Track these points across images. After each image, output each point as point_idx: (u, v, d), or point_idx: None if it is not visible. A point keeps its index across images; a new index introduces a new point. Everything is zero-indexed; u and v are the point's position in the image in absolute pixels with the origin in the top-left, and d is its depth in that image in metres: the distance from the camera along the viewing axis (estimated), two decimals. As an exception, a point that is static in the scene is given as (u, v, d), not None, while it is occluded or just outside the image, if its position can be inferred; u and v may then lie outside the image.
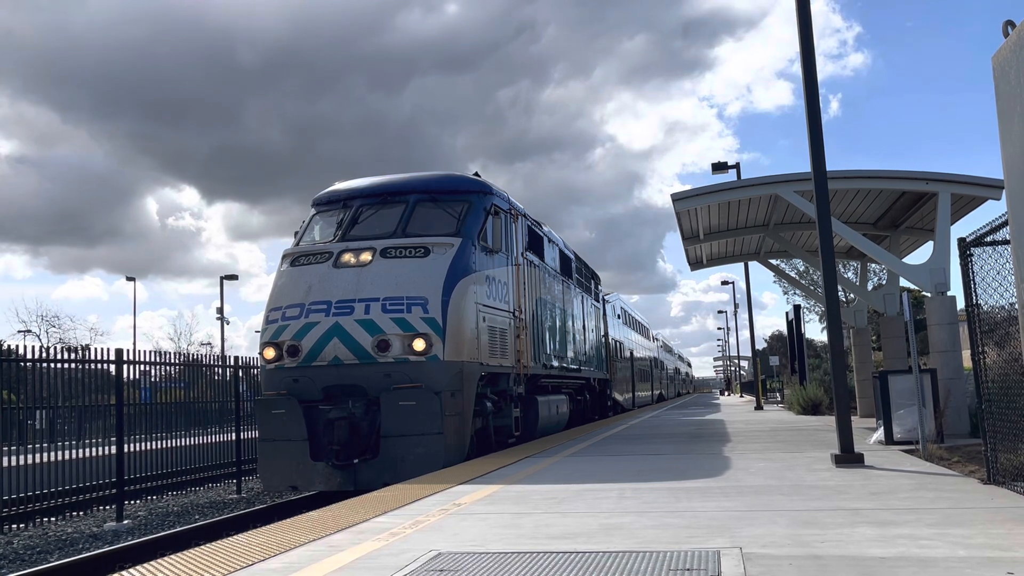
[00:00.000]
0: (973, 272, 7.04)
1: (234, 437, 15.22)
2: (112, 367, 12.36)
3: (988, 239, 6.75)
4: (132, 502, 12.93)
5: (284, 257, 12.18)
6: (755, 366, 34.53)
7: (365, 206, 12.43)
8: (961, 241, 7.23)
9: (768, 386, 41.55)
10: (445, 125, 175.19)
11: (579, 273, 20.57)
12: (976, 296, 7.04)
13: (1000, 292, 6.62)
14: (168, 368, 14.63)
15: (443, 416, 10.52)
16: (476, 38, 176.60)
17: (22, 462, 11.04)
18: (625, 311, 32.85)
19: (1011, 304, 6.19)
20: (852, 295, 28.46)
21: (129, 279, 55.55)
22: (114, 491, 11.96)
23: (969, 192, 13.53)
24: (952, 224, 13.85)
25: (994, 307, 6.83)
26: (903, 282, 16.81)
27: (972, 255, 7.06)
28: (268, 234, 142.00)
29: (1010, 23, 3.74)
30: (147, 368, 13.56)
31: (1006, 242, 6.15)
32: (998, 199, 13.30)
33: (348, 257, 11.46)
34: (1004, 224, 6.07)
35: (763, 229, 18.30)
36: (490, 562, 4.68)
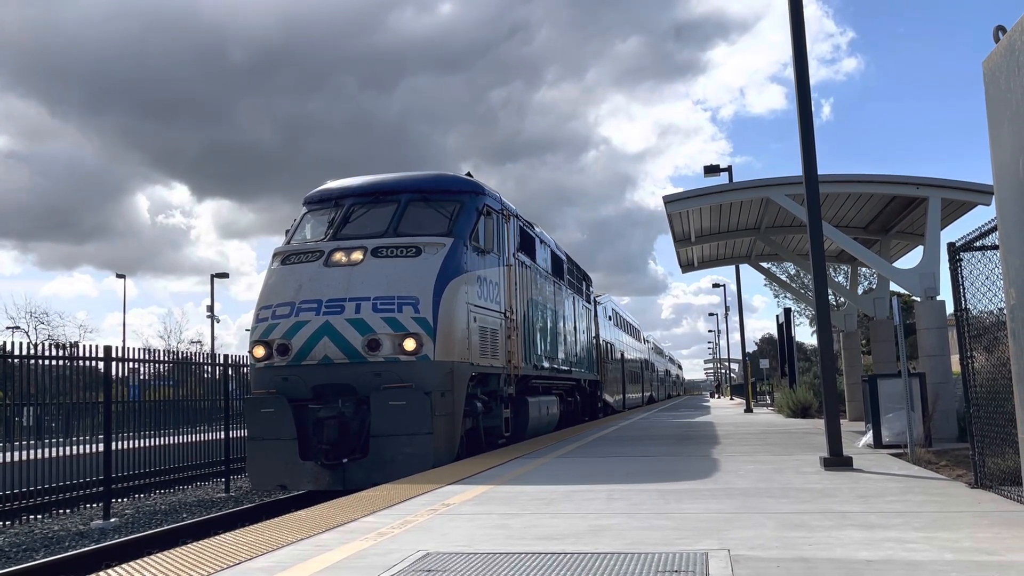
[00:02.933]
0: (962, 277, 7.07)
1: (223, 435, 15.16)
2: (101, 364, 12.30)
3: (977, 244, 6.77)
4: (119, 500, 12.87)
5: (275, 255, 12.14)
6: (745, 369, 34.62)
7: (357, 205, 12.40)
8: (950, 246, 7.26)
9: (758, 389, 41.66)
10: (436, 125, 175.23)
11: (570, 274, 20.58)
12: (965, 301, 7.06)
13: (989, 297, 6.65)
14: (157, 366, 14.57)
15: (433, 416, 10.51)
16: (469, 38, 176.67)
17: (9, 459, 10.97)
18: (616, 313, 32.88)
19: (1000, 309, 6.21)
20: (842, 299, 28.54)
21: (119, 276, 55.25)
22: (101, 489, 11.90)
23: (959, 197, 13.59)
24: (942, 229, 13.92)
25: (983, 312, 6.86)
26: (893, 286, 16.89)
27: (961, 260, 7.08)
28: (258, 232, 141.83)
29: (1000, 28, 3.75)
30: (136, 366, 13.49)
31: (995, 247, 6.17)
32: (987, 204, 13.36)
33: (339, 256, 11.44)
34: (993, 229, 6.09)
35: (754, 232, 18.35)
36: (478, 563, 4.67)
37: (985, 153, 4.36)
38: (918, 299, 13.33)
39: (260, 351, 11.26)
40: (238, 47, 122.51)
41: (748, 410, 30.23)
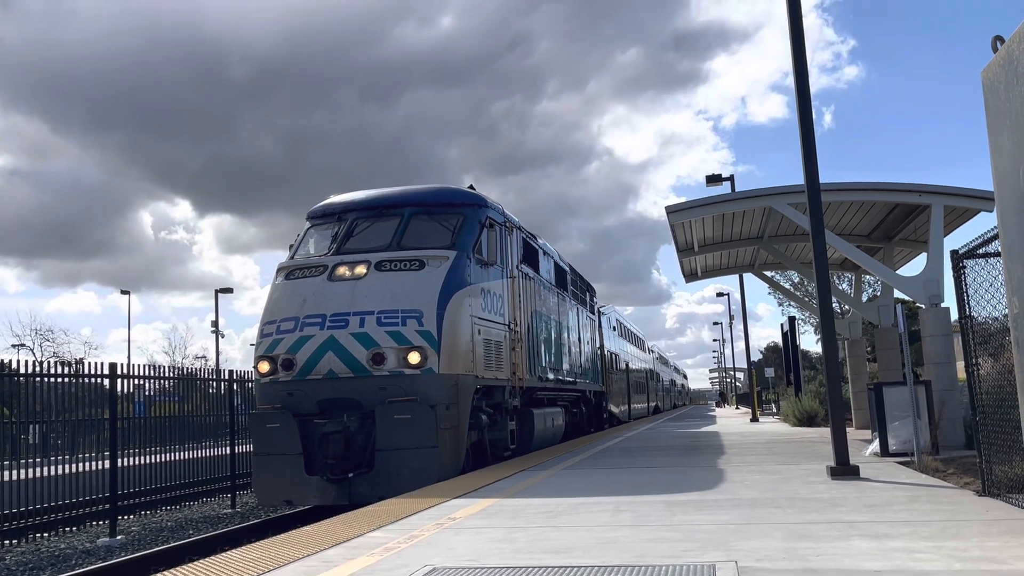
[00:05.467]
0: (966, 284, 7.07)
1: (228, 451, 15.16)
2: (106, 381, 12.32)
3: (981, 251, 6.78)
4: (126, 517, 12.86)
5: (279, 270, 12.17)
6: (750, 378, 34.57)
7: (360, 219, 12.43)
8: (954, 253, 7.26)
9: (764, 398, 41.57)
10: (438, 137, 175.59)
11: (574, 285, 20.58)
12: (969, 308, 7.06)
13: (993, 304, 6.65)
14: (162, 382, 14.58)
15: (438, 430, 10.50)
16: (470, 51, 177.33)
17: (15, 477, 10.98)
18: (620, 323, 32.86)
19: (1005, 316, 6.20)
20: (847, 307, 28.50)
21: (124, 292, 55.44)
22: (107, 506, 11.90)
23: (962, 204, 13.60)
24: (945, 236, 13.92)
25: (988, 318, 6.85)
26: (897, 294, 16.89)
27: (965, 267, 7.08)
28: (261, 246, 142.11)
29: (999, 38, 3.77)
30: (141, 382, 13.51)
31: (998, 254, 6.17)
32: (991, 211, 13.36)
33: (343, 270, 11.46)
34: (996, 236, 6.09)
35: (757, 241, 18.36)
36: (485, 577, 4.66)
37: (988, 159, 4.37)
38: (922, 306, 13.32)
39: (265, 366, 11.27)
40: (240, 62, 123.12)
41: (754, 419, 30.16)
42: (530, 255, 15.54)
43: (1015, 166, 3.67)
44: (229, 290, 53.38)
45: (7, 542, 10.89)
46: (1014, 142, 3.63)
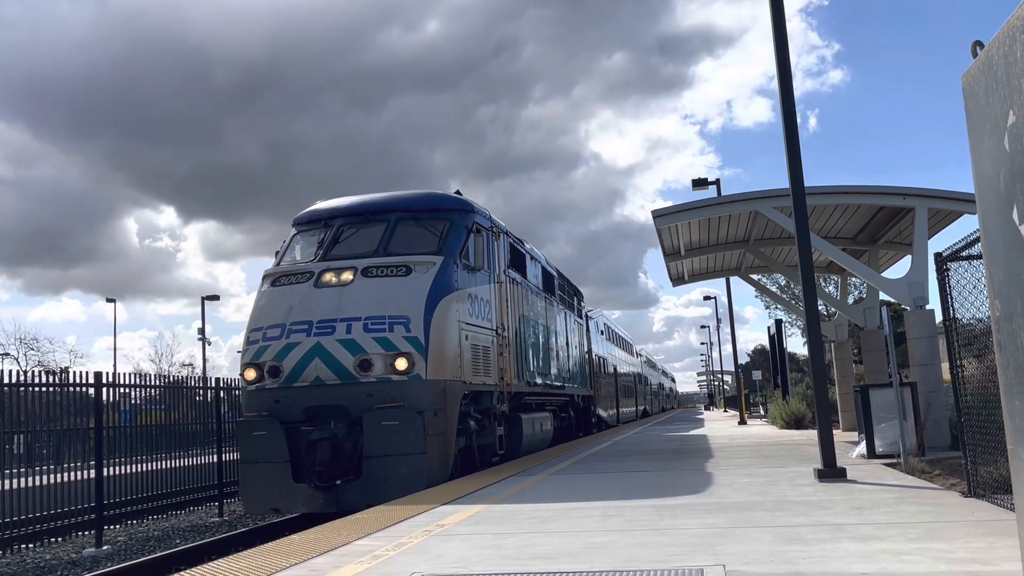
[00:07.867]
0: (950, 286, 7.12)
1: (216, 459, 15.07)
2: (91, 390, 12.21)
3: (964, 254, 6.82)
4: (112, 527, 12.75)
5: (265, 277, 12.12)
6: (738, 381, 34.67)
7: (346, 225, 12.40)
8: (937, 256, 7.31)
9: (751, 400, 41.69)
10: (424, 143, 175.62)
11: (562, 290, 20.59)
12: (953, 310, 7.11)
13: (977, 306, 6.70)
14: (148, 390, 14.47)
15: (426, 436, 10.48)
16: (455, 56, 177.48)
17: (0, 487, 10.87)
18: (608, 327, 32.90)
19: (988, 317, 6.24)
20: (833, 309, 28.64)
21: (109, 300, 55.20)
22: (93, 516, 11.80)
23: (945, 207, 13.70)
24: (930, 238, 14.02)
25: (972, 320, 6.90)
26: (883, 296, 16.97)
27: (949, 269, 7.13)
28: (246, 253, 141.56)
29: (978, 44, 3.80)
30: (127, 391, 13.40)
31: (981, 256, 6.21)
32: (974, 213, 13.43)
33: (329, 276, 11.43)
34: (979, 239, 6.13)
35: (743, 245, 18.42)
36: (473, 584, 4.65)
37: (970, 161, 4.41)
38: (908, 308, 13.40)
39: (251, 373, 11.22)
40: (224, 68, 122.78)
41: (742, 422, 30.24)
42: (517, 260, 15.54)
43: (996, 170, 3.70)
44: (215, 297, 53.31)
45: (-9, 553, 10.79)
46: (994, 146, 3.66)
